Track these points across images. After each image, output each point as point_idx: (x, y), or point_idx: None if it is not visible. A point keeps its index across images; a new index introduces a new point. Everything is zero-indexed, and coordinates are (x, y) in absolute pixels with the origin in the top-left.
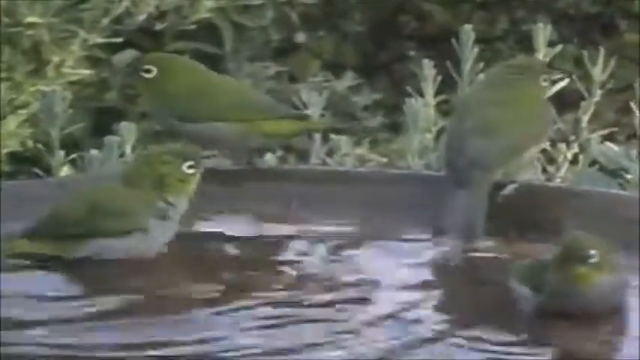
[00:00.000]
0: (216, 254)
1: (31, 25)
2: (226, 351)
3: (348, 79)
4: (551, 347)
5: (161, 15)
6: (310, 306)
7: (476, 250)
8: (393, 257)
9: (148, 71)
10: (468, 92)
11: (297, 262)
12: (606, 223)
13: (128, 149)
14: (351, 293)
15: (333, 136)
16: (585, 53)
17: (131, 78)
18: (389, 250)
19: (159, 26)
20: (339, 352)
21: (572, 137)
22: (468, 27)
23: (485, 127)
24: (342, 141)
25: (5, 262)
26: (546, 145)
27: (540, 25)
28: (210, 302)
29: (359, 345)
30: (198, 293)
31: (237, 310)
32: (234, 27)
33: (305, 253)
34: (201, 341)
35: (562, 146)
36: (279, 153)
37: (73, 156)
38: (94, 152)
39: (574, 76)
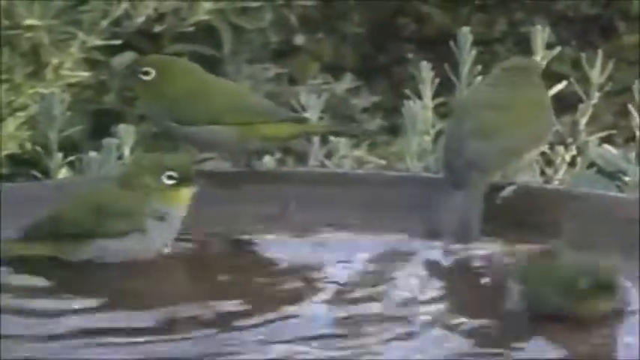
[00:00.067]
0: (222, 260)
1: (30, 28)
2: None
3: (347, 82)
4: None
5: (160, 17)
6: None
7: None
8: (392, 258)
9: (146, 73)
10: (466, 94)
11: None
12: (604, 225)
13: (127, 151)
14: (354, 294)
15: (331, 138)
16: (583, 55)
17: (129, 80)
18: (388, 250)
19: (157, 28)
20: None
21: (570, 139)
22: (466, 29)
23: (484, 130)
24: (341, 143)
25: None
26: (544, 147)
27: (538, 27)
28: (240, 317)
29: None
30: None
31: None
32: (233, 29)
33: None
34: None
35: (560, 148)
36: (278, 155)
37: (72, 158)
38: (92, 154)
39: (572, 79)
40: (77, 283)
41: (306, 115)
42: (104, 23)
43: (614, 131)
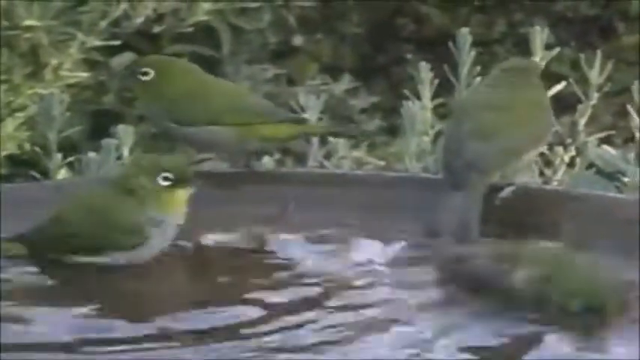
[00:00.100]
0: (223, 263)
1: (29, 28)
2: None
3: (346, 82)
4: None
5: (159, 18)
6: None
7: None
8: (391, 259)
9: (145, 74)
10: (465, 95)
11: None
12: (603, 226)
13: (126, 152)
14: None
15: (330, 139)
16: (582, 56)
17: (128, 81)
18: (387, 251)
19: (157, 29)
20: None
21: (570, 140)
22: (465, 30)
23: (483, 130)
24: (340, 144)
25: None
26: (543, 148)
27: (538, 28)
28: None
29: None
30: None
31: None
32: (232, 30)
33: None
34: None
35: (559, 149)
36: (277, 156)
37: (71, 159)
38: (91, 155)
39: (571, 79)
40: (78, 286)
41: (305, 115)
42: (103, 24)
43: (613, 132)
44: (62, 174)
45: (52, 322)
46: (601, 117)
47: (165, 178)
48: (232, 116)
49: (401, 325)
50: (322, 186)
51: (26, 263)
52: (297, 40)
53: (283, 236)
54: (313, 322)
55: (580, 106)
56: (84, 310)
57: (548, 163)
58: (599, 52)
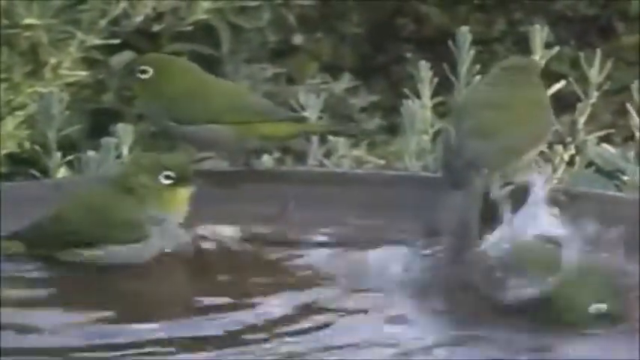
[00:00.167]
0: (229, 262)
1: (29, 27)
2: None
3: (346, 81)
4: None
5: (158, 16)
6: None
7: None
8: (391, 259)
9: (144, 72)
10: (465, 94)
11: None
12: (603, 225)
13: (125, 151)
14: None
15: (330, 137)
16: (582, 55)
17: (128, 79)
18: (386, 251)
19: (156, 28)
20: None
21: (569, 139)
22: (465, 29)
23: (483, 129)
24: (340, 143)
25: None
26: (544, 146)
27: (537, 26)
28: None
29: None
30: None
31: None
32: (232, 28)
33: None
34: None
35: (559, 148)
36: (277, 155)
37: (70, 157)
38: (91, 154)
39: (571, 78)
40: (78, 287)
41: (305, 114)
42: (103, 22)
43: (612, 130)
44: (62, 172)
45: (54, 327)
46: (600, 116)
47: (167, 177)
48: (232, 115)
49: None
50: (322, 185)
51: (25, 263)
52: (297, 39)
53: (283, 236)
54: (316, 328)
55: (579, 105)
56: (85, 313)
57: (548, 161)
58: (598, 51)
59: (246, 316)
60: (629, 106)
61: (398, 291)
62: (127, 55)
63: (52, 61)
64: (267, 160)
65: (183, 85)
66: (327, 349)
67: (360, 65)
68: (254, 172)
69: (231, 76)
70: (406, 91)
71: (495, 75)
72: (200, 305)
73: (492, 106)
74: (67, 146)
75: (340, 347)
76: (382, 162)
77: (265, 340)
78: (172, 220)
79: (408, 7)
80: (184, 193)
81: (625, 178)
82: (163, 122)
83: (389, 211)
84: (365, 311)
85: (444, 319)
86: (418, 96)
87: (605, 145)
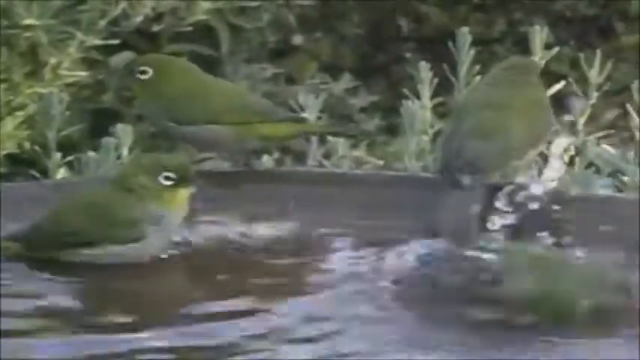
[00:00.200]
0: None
1: (29, 27)
2: None
3: (345, 82)
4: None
5: (158, 17)
6: None
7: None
8: (391, 258)
9: (143, 73)
10: (465, 94)
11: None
12: (602, 225)
13: (125, 151)
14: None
15: (330, 138)
16: (582, 56)
17: (127, 80)
18: (386, 251)
19: (155, 28)
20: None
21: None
22: (464, 29)
23: (483, 129)
24: (339, 143)
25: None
26: (543, 147)
27: (537, 27)
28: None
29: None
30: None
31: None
32: (231, 29)
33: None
34: None
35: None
36: (276, 155)
37: (70, 158)
38: (90, 154)
39: (571, 79)
40: (78, 289)
41: (305, 114)
42: (102, 23)
43: (612, 131)
44: (61, 173)
45: (56, 335)
46: (600, 116)
47: (167, 178)
48: (231, 115)
49: (399, 326)
50: (322, 185)
51: (25, 264)
52: (297, 39)
53: (284, 236)
54: (318, 336)
55: (580, 105)
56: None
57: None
58: (598, 52)
59: (247, 324)
60: (629, 106)
61: (399, 294)
62: (126, 56)
63: (52, 61)
64: (267, 161)
65: (183, 86)
66: (331, 356)
67: (359, 65)
68: (254, 173)
69: (231, 76)
70: (406, 91)
71: (495, 75)
72: (200, 312)
73: (492, 107)
74: (67, 146)
75: (345, 355)
76: (382, 162)
77: (269, 349)
78: (172, 220)
79: (408, 7)
80: (184, 193)
81: (625, 178)
82: (163, 123)
83: (389, 211)
84: (366, 316)
85: (446, 323)
86: (418, 96)
87: (605, 146)
